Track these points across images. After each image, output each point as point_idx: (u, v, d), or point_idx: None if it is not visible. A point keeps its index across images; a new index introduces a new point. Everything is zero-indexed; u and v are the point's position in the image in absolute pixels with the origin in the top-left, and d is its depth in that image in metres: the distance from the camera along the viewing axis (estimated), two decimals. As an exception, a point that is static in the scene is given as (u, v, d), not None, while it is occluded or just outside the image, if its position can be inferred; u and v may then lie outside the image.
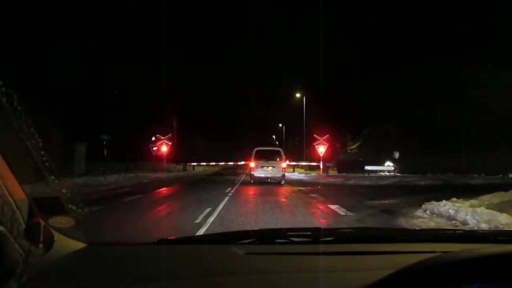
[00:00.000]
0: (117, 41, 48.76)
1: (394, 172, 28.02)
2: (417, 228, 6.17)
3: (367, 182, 21.32)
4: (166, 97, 52.36)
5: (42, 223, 1.41)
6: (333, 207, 10.73)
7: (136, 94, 46.61)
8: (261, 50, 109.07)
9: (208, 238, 2.45)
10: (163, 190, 16.95)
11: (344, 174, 32.34)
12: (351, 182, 21.64)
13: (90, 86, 40.93)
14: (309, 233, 2.11)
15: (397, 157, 44.08)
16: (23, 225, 1.25)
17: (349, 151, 53.67)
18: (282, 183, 20.49)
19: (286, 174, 22.48)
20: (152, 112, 47.41)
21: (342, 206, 10.89)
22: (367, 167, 28.45)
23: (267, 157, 21.12)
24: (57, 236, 1.53)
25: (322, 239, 1.94)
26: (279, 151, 22.28)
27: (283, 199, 12.89)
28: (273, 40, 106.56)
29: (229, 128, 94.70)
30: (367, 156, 42.50)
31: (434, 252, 1.64)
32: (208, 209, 9.68)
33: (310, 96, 46.08)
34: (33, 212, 1.34)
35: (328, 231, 2.20)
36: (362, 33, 66.43)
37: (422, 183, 20.55)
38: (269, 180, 21.31)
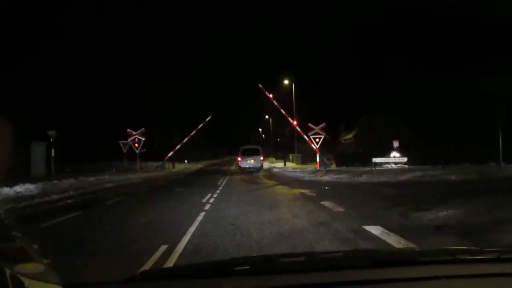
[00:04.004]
0: (88, 30, 44.10)
1: (407, 165, 23.93)
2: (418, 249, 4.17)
3: (383, 179, 17.13)
4: (142, 90, 47.88)
5: (8, 271, 1.39)
6: (374, 231, 6.44)
7: (108, 88, 42.06)
8: (247, 38, 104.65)
9: (188, 271, 2.02)
10: (118, 201, 12.53)
11: (344, 168, 28.15)
12: (363, 179, 17.44)
13: (55, 81, 36.44)
14: (303, 259, 2.01)
15: (396, 147, 40.14)
16: None
17: (343, 141, 49.65)
18: (260, 171, 28.43)
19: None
20: (125, 105, 42.86)
21: (387, 227, 6.63)
22: (375, 160, 24.27)
23: (250, 153, 29.41)
24: (28, 282, 1.45)
25: (316, 267, 1.81)
26: (258, 148, 30.56)
27: (287, 216, 8.54)
28: (261, 28, 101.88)
29: (212, 123, 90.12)
30: (365, 146, 38.52)
31: (438, 277, 1.60)
32: (160, 252, 5.34)
33: (299, 85, 41.91)
34: None
35: (323, 258, 2.11)
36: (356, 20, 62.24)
37: (453, 177, 16.40)
38: (252, 169, 28.42)
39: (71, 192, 15.14)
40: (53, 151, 19.56)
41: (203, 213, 8.71)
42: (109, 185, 19.41)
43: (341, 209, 9.05)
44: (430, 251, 2.42)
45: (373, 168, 23.26)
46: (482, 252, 1.96)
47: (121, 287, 1.79)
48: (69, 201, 12.61)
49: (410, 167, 22.80)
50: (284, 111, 34.66)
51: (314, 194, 12.53)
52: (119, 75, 43.27)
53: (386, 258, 2.07)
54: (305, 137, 29.28)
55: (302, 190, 13.84)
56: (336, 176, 19.90)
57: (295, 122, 31.69)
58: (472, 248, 2.27)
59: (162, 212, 9.28)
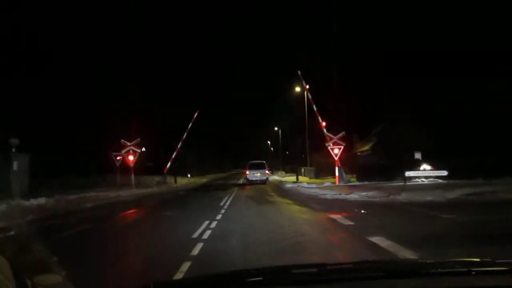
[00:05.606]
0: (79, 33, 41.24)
1: (447, 179, 20.38)
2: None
3: (428, 198, 13.53)
4: (142, 100, 44.79)
5: (30, 282, 1.39)
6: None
7: (105, 96, 38.90)
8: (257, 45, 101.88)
9: (201, 282, 1.99)
10: (80, 231, 9.06)
11: (367, 182, 24.59)
12: (403, 198, 13.84)
13: (45, 86, 33.43)
14: (315, 270, 1.95)
15: (417, 158, 36.49)
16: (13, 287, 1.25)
17: (359, 153, 45.93)
18: (266, 183, 31.49)
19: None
20: (123, 115, 39.58)
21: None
22: (409, 173, 20.72)
23: (256, 166, 32.50)
24: None
25: (328, 278, 1.80)
26: (263, 163, 33.52)
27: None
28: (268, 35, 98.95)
29: (221, 134, 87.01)
30: (384, 158, 34.88)
31: None
32: None
33: (310, 93, 38.57)
34: (17, 273, 1.31)
35: (335, 269, 2.06)
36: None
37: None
38: (258, 181, 31.10)
39: (31, 216, 11.73)
40: (15, 164, 16.26)
41: (187, 265, 5.22)
42: (89, 205, 15.99)
43: (409, 255, 5.51)
44: (443, 263, 2.09)
45: (405, 183, 19.72)
46: (495, 264, 1.93)
47: None
48: (12, 232, 9.12)
49: (451, 182, 19.22)
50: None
51: (351, 222, 8.97)
52: (115, 81, 39.99)
53: (398, 269, 1.99)
54: (331, 143, 25.57)
55: (331, 215, 10.29)
56: (364, 193, 16.29)
57: (324, 123, 28.02)
58: (485, 259, 2.04)
59: (118, 261, 5.78)
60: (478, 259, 2.13)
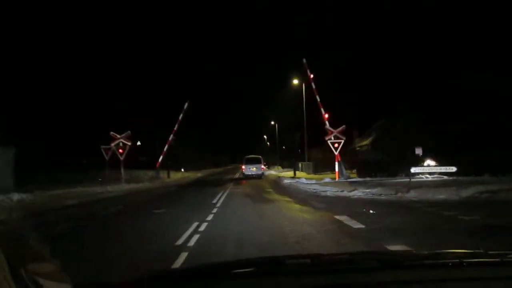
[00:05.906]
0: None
1: (452, 176, 19.32)
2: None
3: (440, 196, 12.42)
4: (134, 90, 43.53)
5: (24, 270, 1.37)
6: None
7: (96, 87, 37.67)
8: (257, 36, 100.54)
9: (197, 272, 1.88)
10: (50, 235, 7.84)
11: (369, 179, 23.50)
12: (413, 196, 12.73)
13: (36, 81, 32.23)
14: (309, 261, 1.93)
15: (418, 154, 35.41)
16: (8, 275, 1.22)
17: (358, 148, 44.83)
18: (262, 177, 31.85)
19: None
20: (117, 109, 38.28)
21: None
22: (414, 170, 19.60)
23: (252, 161, 33.33)
24: (42, 281, 1.45)
25: (323, 269, 1.78)
26: (259, 158, 34.09)
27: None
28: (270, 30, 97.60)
29: (218, 129, 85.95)
30: (384, 154, 33.82)
31: (444, 280, 1.61)
32: None
33: (309, 87, 37.34)
34: (11, 261, 1.29)
35: (330, 260, 2.04)
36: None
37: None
38: (254, 175, 31.72)
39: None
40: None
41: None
42: (71, 201, 14.76)
43: None
44: (436, 254, 2.10)
45: (411, 180, 18.59)
46: (487, 255, 1.92)
47: None
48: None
49: (458, 178, 18.11)
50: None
51: (361, 225, 7.80)
52: (110, 74, 38.84)
53: (392, 260, 1.97)
54: (332, 137, 24.30)
55: (336, 216, 9.12)
56: (368, 190, 15.17)
57: (326, 115, 26.64)
58: (477, 251, 2.01)
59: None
60: (471, 251, 2.05)
